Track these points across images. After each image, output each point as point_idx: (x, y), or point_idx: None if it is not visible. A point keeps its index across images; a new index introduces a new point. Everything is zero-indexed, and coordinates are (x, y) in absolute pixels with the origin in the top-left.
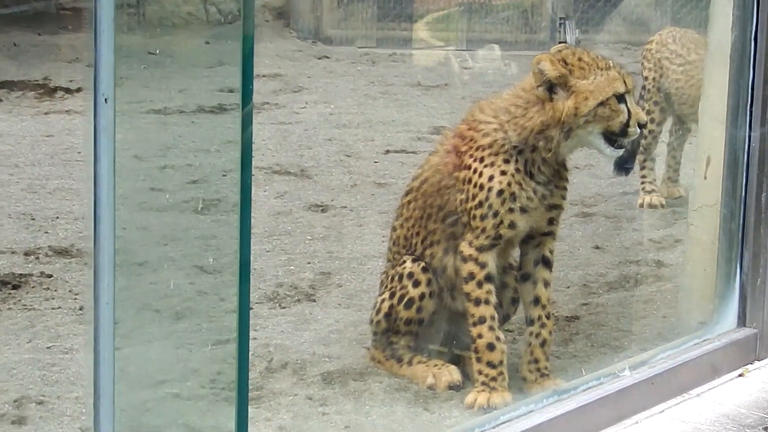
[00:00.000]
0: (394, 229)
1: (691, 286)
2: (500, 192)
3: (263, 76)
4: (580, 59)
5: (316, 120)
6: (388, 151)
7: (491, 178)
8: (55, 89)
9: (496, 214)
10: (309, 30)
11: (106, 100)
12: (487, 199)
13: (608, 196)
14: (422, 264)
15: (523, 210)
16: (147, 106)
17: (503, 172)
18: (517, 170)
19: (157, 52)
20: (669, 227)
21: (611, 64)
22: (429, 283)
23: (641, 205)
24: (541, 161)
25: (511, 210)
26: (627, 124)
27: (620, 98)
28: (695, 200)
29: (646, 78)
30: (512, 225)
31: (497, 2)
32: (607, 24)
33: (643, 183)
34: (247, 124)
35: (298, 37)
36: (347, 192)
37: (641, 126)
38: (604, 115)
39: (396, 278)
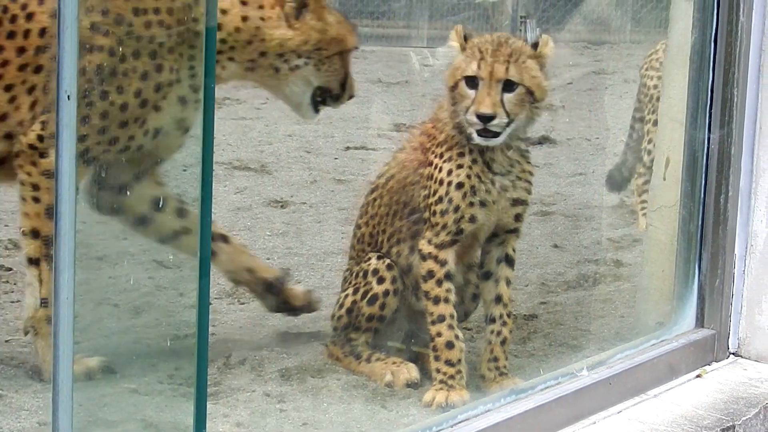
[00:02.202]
0: (358, 226)
1: (650, 286)
2: (459, 185)
3: None
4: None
5: (276, 116)
6: (348, 148)
7: (450, 172)
8: None
9: (456, 209)
10: None
11: (68, 96)
12: (447, 193)
13: (567, 195)
14: (387, 261)
15: (483, 203)
16: None
17: (460, 165)
18: (474, 161)
19: None
20: (628, 227)
21: (489, 48)
22: (393, 280)
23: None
24: (497, 151)
25: (471, 204)
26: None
27: (470, 81)
28: (654, 201)
29: (654, 87)
30: (473, 219)
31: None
32: (568, 23)
33: (643, 208)
34: (208, 118)
35: None
36: (307, 188)
37: (479, 116)
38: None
39: (360, 275)
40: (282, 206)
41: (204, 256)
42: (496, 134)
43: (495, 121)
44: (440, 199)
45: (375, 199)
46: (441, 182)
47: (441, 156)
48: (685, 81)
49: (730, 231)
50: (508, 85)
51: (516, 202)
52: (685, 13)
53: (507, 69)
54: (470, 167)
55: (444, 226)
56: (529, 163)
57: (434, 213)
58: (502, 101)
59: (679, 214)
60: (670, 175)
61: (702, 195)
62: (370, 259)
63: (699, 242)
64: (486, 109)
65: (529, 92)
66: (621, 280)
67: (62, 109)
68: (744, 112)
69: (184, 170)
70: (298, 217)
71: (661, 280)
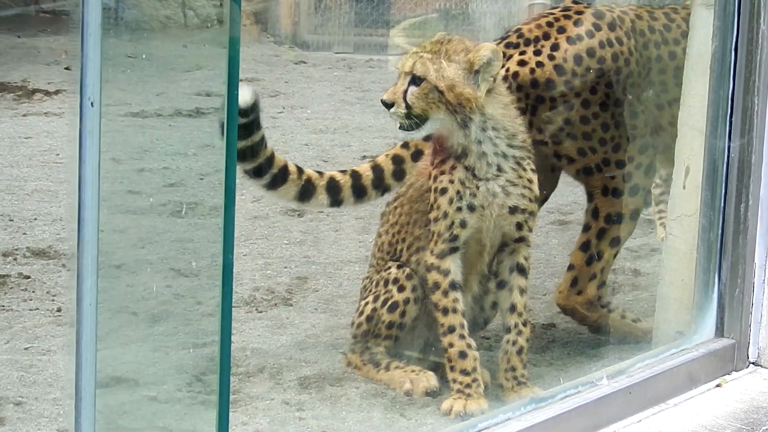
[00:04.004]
0: (379, 235)
1: (669, 295)
2: (443, 190)
3: (240, 80)
4: None
5: (292, 125)
6: (364, 157)
7: (436, 178)
8: (34, 91)
9: (446, 215)
10: (286, 35)
11: (92, 103)
12: (435, 200)
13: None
14: (407, 270)
15: (471, 208)
16: (125, 109)
17: (442, 172)
18: (453, 167)
19: (143, 56)
20: (646, 236)
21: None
22: (414, 288)
23: (662, 240)
24: (473, 156)
25: (459, 209)
26: None
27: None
28: (674, 210)
29: None
30: (463, 224)
31: (474, 10)
32: None
33: (661, 218)
34: (231, 126)
35: (275, 41)
36: None
37: (382, 102)
38: None
39: (381, 283)
40: (299, 215)
41: (227, 263)
42: (410, 127)
43: (392, 109)
44: (432, 207)
45: (396, 208)
46: (430, 189)
47: (433, 163)
48: (705, 89)
49: (750, 240)
50: (415, 79)
51: (514, 210)
52: (705, 22)
53: (414, 63)
54: (451, 173)
55: (439, 234)
56: (526, 170)
57: (429, 221)
58: (405, 92)
59: (698, 223)
60: (689, 184)
61: (722, 204)
62: (390, 268)
63: (719, 251)
64: (385, 96)
65: (438, 90)
66: (639, 290)
67: (85, 116)
68: (765, 121)
69: (201, 179)
70: (315, 226)
71: (681, 289)
